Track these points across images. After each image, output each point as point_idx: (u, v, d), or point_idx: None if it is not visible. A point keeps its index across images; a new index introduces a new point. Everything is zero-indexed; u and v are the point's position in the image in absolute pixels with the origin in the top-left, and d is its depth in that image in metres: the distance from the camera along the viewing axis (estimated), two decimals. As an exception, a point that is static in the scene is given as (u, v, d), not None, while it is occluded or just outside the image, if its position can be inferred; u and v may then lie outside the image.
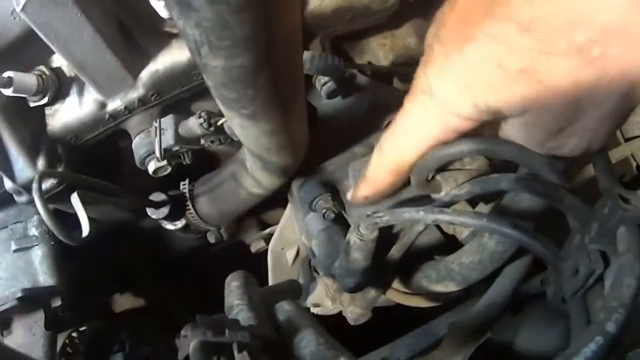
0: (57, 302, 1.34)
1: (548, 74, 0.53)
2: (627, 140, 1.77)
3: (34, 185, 0.93)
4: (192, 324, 0.58)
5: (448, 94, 0.63)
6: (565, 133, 0.61)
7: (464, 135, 0.70)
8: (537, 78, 0.53)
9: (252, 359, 0.58)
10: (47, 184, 1.15)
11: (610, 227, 0.63)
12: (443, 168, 1.08)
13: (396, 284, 1.08)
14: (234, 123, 0.79)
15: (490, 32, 0.55)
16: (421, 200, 1.01)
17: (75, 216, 1.01)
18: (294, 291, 0.91)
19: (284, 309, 0.77)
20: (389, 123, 1.15)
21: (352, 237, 0.86)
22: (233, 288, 0.75)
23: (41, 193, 0.92)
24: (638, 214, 0.60)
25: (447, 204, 1.00)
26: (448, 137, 0.69)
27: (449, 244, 1.05)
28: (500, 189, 0.91)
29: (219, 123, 1.07)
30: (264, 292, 0.79)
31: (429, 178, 0.95)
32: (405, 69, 1.41)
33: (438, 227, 1.08)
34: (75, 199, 0.97)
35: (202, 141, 1.21)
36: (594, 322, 0.56)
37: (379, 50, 1.43)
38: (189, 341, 0.57)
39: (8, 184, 1.19)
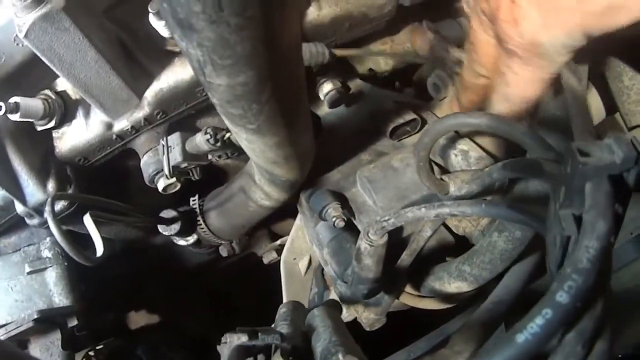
0: (73, 322, 1.36)
1: None
2: (630, 129, 1.76)
3: (47, 208, 0.94)
4: (231, 332, 0.68)
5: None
6: None
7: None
8: None
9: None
10: (58, 205, 1.16)
11: (576, 186, 0.55)
12: (448, 170, 1.08)
13: (409, 288, 1.09)
14: (241, 138, 0.80)
15: None
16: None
17: (85, 236, 1.02)
18: (335, 306, 1.02)
19: (314, 314, 0.86)
20: (393, 128, 1.16)
21: (362, 243, 0.87)
22: (281, 313, 0.87)
23: (54, 215, 0.93)
24: (600, 165, 0.53)
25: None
26: None
27: (459, 246, 1.06)
28: (494, 180, 0.91)
29: (226, 137, 1.08)
30: (306, 311, 0.90)
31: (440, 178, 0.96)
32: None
33: (448, 229, 1.08)
34: (88, 219, 0.98)
35: (210, 156, 1.22)
36: (547, 293, 0.47)
37: (379, 57, 1.43)
38: (228, 346, 0.67)
39: (19, 208, 1.20)
